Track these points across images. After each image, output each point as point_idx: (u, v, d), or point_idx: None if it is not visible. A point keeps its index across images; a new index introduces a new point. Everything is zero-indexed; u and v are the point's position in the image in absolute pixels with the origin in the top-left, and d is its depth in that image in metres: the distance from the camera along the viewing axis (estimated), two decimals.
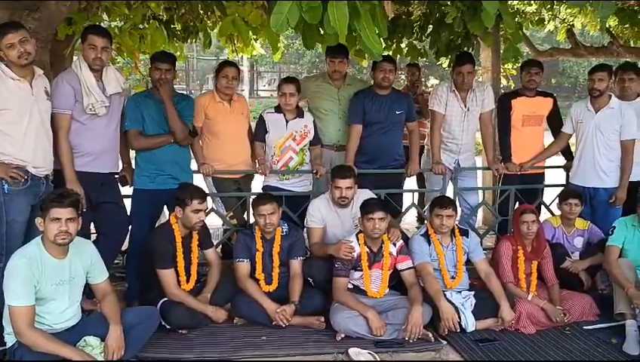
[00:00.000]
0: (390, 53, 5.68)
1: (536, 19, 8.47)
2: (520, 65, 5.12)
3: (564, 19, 9.60)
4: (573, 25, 9.81)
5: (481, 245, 5.02)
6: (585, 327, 3.87)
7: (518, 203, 5.05)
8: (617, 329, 3.76)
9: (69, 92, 3.61)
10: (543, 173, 5.20)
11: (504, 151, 5.01)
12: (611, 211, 4.46)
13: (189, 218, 3.75)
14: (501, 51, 8.39)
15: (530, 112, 4.95)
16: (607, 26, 7.78)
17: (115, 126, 3.89)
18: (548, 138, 5.11)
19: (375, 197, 4.15)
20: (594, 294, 4.22)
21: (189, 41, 6.57)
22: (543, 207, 5.23)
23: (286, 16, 2.77)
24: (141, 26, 5.65)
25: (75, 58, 4.97)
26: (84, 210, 3.52)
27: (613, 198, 4.47)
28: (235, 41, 7.29)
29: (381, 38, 5.40)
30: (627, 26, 6.90)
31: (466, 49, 4.51)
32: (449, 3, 3.65)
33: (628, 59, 7.12)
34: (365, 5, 2.89)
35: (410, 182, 5.85)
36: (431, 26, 4.90)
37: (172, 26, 6.34)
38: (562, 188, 4.82)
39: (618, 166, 4.49)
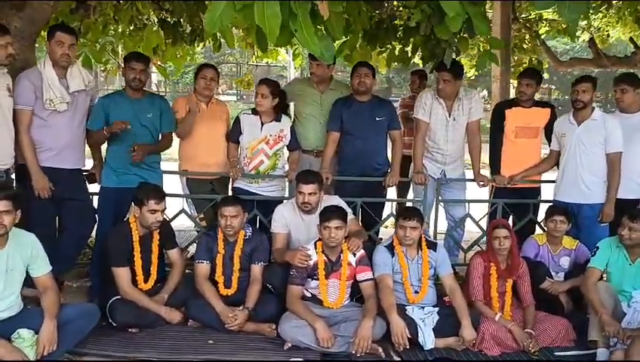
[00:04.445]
0: (384, 58, 5.53)
1: (564, 27, 8.09)
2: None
3: (600, 28, 9.14)
4: (609, 35, 9.33)
5: (465, 260, 4.84)
6: (555, 353, 3.63)
7: (511, 218, 4.82)
8: (589, 358, 3.51)
9: (29, 88, 3.67)
10: (539, 188, 4.92)
11: (494, 163, 4.78)
12: (597, 230, 4.16)
13: (146, 218, 3.75)
14: (515, 59, 8.05)
15: (524, 124, 4.69)
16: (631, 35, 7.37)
17: (78, 123, 3.92)
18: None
19: (340, 205, 3.96)
20: (580, 318, 3.95)
21: (196, 44, 6.61)
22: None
23: (220, 15, 2.72)
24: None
25: None
26: (47, 197, 3.70)
27: (601, 215, 4.19)
28: (255, 47, 7.31)
29: (366, 43, 5.27)
30: None
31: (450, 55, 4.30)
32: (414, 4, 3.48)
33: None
34: (304, 5, 2.80)
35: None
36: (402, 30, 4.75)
37: (181, 29, 6.40)
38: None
39: (604, 181, 4.20)
